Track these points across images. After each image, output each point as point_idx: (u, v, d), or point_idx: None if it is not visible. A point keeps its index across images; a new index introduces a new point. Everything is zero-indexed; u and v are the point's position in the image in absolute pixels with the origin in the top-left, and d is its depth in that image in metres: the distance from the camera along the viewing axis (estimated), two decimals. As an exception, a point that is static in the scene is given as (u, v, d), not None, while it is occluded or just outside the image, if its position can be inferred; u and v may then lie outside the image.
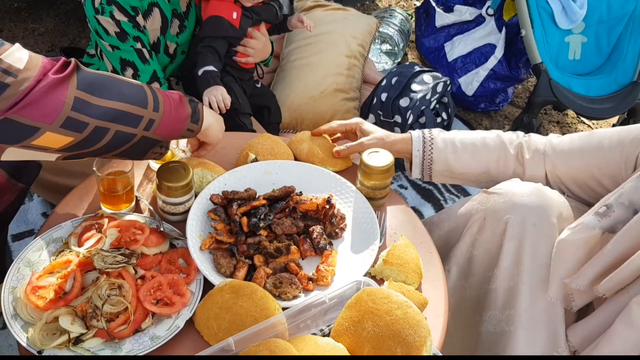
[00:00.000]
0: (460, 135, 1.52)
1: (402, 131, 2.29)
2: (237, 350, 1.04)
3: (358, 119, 1.59)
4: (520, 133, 1.52)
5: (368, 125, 1.57)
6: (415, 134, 1.53)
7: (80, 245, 1.23)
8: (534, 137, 1.49)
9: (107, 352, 1.09)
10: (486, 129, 2.78)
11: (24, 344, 1.08)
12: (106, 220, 1.28)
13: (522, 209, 1.34)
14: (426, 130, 1.54)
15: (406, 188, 2.39)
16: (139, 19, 1.71)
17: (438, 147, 1.51)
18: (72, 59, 1.09)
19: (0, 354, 1.66)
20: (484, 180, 1.50)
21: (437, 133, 1.53)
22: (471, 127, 2.74)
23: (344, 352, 1.06)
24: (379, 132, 1.55)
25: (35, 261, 1.22)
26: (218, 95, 1.75)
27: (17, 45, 1.05)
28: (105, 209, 1.35)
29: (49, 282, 1.16)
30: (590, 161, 1.39)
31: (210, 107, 1.74)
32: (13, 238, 1.99)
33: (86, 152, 1.13)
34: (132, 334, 1.13)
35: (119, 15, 1.67)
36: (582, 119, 2.91)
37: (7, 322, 1.10)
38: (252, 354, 0.99)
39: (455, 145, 1.50)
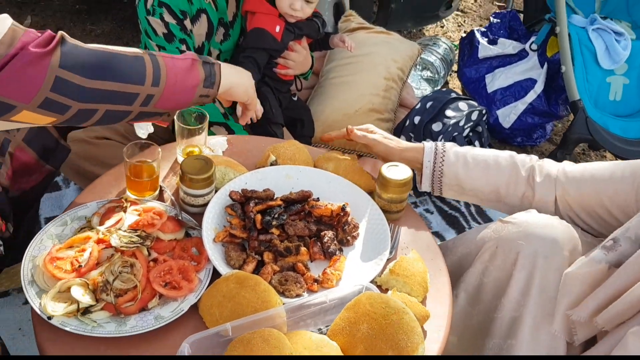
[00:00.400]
0: (474, 151, 1.52)
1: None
2: (233, 335, 1.07)
3: (369, 125, 1.62)
4: (534, 157, 1.52)
5: (379, 130, 1.60)
6: (428, 144, 1.54)
7: (101, 224, 1.30)
8: (547, 161, 1.49)
9: (112, 326, 1.14)
10: None
11: (36, 309, 1.13)
12: (129, 204, 1.34)
13: (535, 240, 1.34)
14: (439, 143, 1.55)
15: (432, 212, 2.39)
16: (187, 22, 1.80)
17: (449, 159, 1.51)
18: (59, 32, 1.02)
19: (19, 327, 1.73)
20: (493, 200, 1.51)
21: (451, 146, 1.54)
22: None
23: (337, 350, 1.07)
24: (391, 137, 1.58)
25: (58, 235, 1.28)
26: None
27: (3, 15, 0.98)
28: (130, 194, 1.42)
29: (68, 254, 1.22)
30: (601, 189, 1.38)
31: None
32: (46, 220, 2.08)
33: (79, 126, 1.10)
34: (138, 311, 1.18)
35: (168, 18, 1.76)
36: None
37: (24, 286, 1.17)
38: (247, 341, 1.02)
39: (466, 160, 1.50)
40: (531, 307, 1.33)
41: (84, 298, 1.15)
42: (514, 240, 1.36)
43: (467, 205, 2.44)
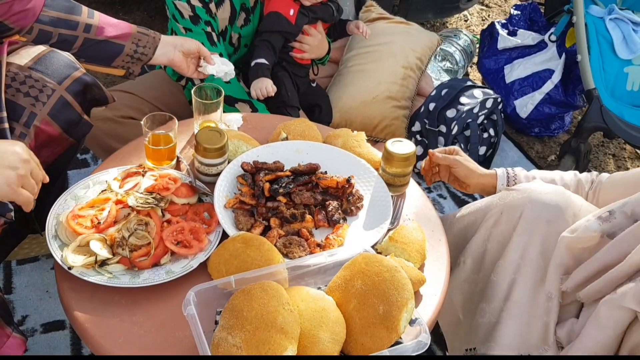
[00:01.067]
0: (540, 173, 1.57)
1: (446, 141, 2.36)
2: (236, 287, 1.15)
3: (456, 147, 1.67)
4: (594, 173, 1.56)
5: (463, 153, 1.66)
6: (500, 171, 1.59)
7: (120, 188, 1.39)
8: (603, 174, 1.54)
9: (127, 278, 1.23)
10: (537, 153, 2.78)
11: (58, 260, 1.24)
12: (144, 169, 1.43)
13: (539, 205, 1.38)
14: (509, 169, 1.60)
15: (445, 198, 2.44)
16: (212, 6, 1.89)
17: (520, 182, 1.55)
18: None
19: (47, 289, 1.85)
20: None
21: (519, 171, 1.59)
22: (522, 150, 2.76)
23: (332, 304, 1.14)
24: (472, 162, 1.63)
25: (81, 196, 1.38)
26: (263, 88, 1.90)
27: None
28: (149, 163, 1.51)
29: (88, 213, 1.32)
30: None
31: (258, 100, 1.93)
32: (75, 195, 2.20)
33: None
34: (151, 266, 1.27)
35: (194, 1, 1.85)
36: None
37: (48, 240, 1.27)
38: (247, 291, 1.10)
39: (537, 181, 1.52)
40: (529, 269, 1.37)
41: (102, 251, 1.24)
42: (518, 205, 1.41)
43: (479, 190, 2.48)
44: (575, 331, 1.29)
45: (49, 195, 1.50)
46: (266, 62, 1.95)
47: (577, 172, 1.57)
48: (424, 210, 1.54)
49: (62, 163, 1.59)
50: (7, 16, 1.34)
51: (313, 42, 2.08)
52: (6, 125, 1.36)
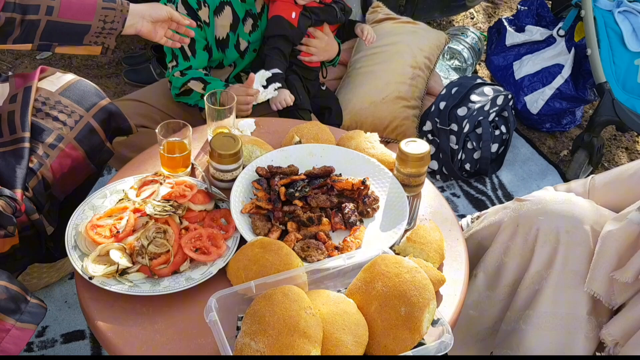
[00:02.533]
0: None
1: (458, 140, 2.35)
2: (256, 292, 1.15)
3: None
4: (560, 187, 1.57)
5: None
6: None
7: (137, 196, 1.40)
8: (573, 185, 1.55)
9: (147, 286, 1.24)
10: (550, 149, 2.77)
11: (79, 270, 1.24)
12: (162, 177, 1.44)
13: (554, 216, 1.39)
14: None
15: (459, 196, 2.43)
16: (202, 12, 1.88)
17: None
18: None
19: (65, 300, 1.86)
20: None
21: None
22: (534, 146, 2.75)
23: (353, 306, 1.14)
24: None
25: (99, 206, 1.39)
26: (282, 101, 1.92)
27: None
28: (164, 171, 1.52)
29: (107, 222, 1.33)
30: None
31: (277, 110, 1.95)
32: (90, 204, 2.21)
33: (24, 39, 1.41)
34: (171, 273, 1.27)
35: (181, 8, 1.86)
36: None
37: (68, 251, 1.28)
38: (268, 296, 1.10)
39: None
40: (552, 279, 1.37)
41: (122, 260, 1.25)
42: (533, 217, 1.41)
43: (493, 188, 2.47)
44: (632, 328, 1.27)
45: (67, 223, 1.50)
46: (279, 71, 1.96)
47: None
48: (440, 209, 1.54)
49: (82, 193, 1.62)
50: None
51: (319, 44, 2.08)
52: (27, 145, 1.41)
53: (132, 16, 1.55)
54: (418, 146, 1.51)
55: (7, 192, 1.31)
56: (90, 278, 1.23)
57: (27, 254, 1.45)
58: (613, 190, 1.47)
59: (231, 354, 1.04)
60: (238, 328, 1.17)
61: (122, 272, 1.24)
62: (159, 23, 1.62)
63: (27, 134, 1.42)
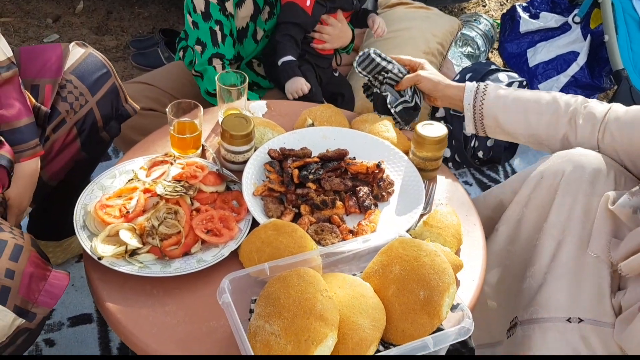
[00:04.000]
0: (516, 93, 1.51)
1: None
2: (270, 275, 1.12)
3: (423, 60, 1.66)
4: (580, 97, 1.49)
5: (429, 66, 1.64)
6: (470, 84, 1.54)
7: (147, 177, 1.37)
8: (592, 103, 1.47)
9: (158, 267, 1.21)
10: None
11: (88, 251, 1.21)
12: (172, 158, 1.40)
13: (579, 167, 1.36)
14: (482, 84, 1.55)
15: (471, 184, 2.39)
16: (228, 4, 1.84)
17: (489, 101, 1.50)
18: None
19: (72, 283, 1.83)
20: (534, 142, 1.53)
21: (494, 88, 1.52)
22: None
23: (370, 290, 1.11)
24: (436, 74, 1.60)
25: (108, 186, 1.36)
26: (299, 90, 1.88)
27: None
28: (174, 152, 1.48)
29: (116, 202, 1.29)
30: None
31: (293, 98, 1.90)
32: (97, 188, 2.18)
33: None
34: (182, 255, 1.24)
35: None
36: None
37: (76, 231, 1.25)
38: (283, 278, 1.07)
39: (506, 104, 1.50)
40: (575, 230, 1.34)
41: (132, 241, 1.22)
42: (559, 169, 1.39)
43: (506, 176, 2.43)
44: (623, 306, 1.25)
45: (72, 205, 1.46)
46: (292, 58, 1.92)
47: (558, 95, 1.50)
48: (457, 194, 1.50)
49: (79, 178, 1.58)
50: None
51: (333, 31, 2.04)
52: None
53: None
54: (435, 129, 1.47)
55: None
56: (100, 258, 1.20)
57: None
58: (627, 135, 1.41)
59: (245, 337, 1.01)
60: (251, 311, 1.14)
61: (132, 253, 1.21)
62: None
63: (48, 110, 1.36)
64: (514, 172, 2.46)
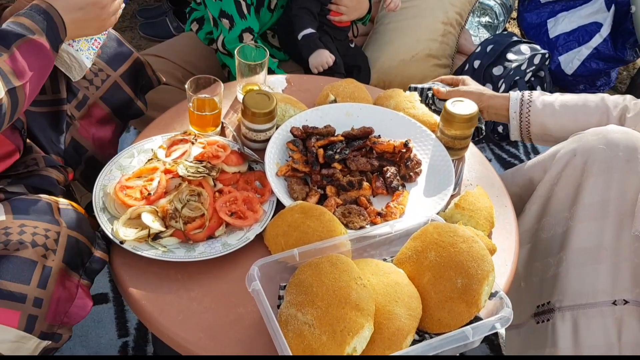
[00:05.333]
0: (562, 97, 1.50)
1: None
2: (300, 261, 1.08)
3: (466, 76, 1.63)
4: (628, 96, 1.47)
5: (471, 80, 1.61)
6: (514, 94, 1.53)
7: (167, 157, 1.32)
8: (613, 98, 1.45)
9: (182, 252, 1.17)
10: None
11: (109, 234, 1.17)
12: (193, 136, 1.35)
13: (615, 145, 1.32)
14: (526, 92, 1.54)
15: (490, 160, 2.34)
16: None
17: (536, 109, 1.50)
18: None
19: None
20: None
21: (538, 95, 1.52)
22: None
23: (404, 277, 1.07)
24: (479, 87, 1.57)
25: (126, 166, 1.31)
26: (324, 63, 1.84)
27: None
28: (193, 129, 1.43)
29: (137, 184, 1.25)
30: None
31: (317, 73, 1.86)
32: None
33: None
34: (206, 239, 1.20)
35: None
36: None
37: (96, 213, 1.20)
38: (315, 265, 1.02)
39: (554, 108, 1.49)
40: (613, 210, 1.31)
41: (154, 224, 1.17)
42: (593, 146, 1.35)
43: (526, 152, 2.38)
44: None
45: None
46: (312, 30, 1.85)
47: (606, 96, 1.49)
48: (487, 174, 1.45)
49: (112, 148, 1.56)
50: None
51: (350, 3, 1.96)
52: (66, 107, 1.33)
53: None
54: (465, 106, 1.41)
55: (56, 162, 1.25)
56: (122, 242, 1.15)
57: None
58: None
59: (278, 326, 0.97)
60: (280, 297, 1.10)
61: (155, 237, 1.17)
62: None
63: (64, 95, 1.33)
64: (533, 147, 2.40)
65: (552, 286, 1.37)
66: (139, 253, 1.14)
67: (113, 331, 1.67)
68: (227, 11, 1.76)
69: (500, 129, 2.33)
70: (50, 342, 1.03)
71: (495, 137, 2.36)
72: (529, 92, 1.53)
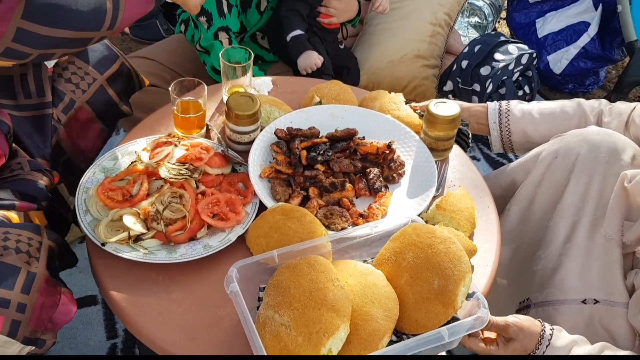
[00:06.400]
0: (540, 105, 1.52)
1: (480, 101, 2.26)
2: (279, 262, 1.08)
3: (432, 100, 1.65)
4: (603, 101, 1.50)
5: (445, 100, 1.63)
6: (492, 105, 1.55)
7: (150, 159, 1.32)
8: (617, 103, 1.47)
9: (163, 253, 1.17)
10: None
11: (91, 236, 1.17)
12: (176, 139, 1.36)
13: (595, 146, 1.35)
14: (503, 102, 1.56)
15: (479, 160, 2.35)
16: None
17: (515, 117, 1.52)
18: None
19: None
20: None
21: (515, 104, 1.54)
22: None
23: (382, 278, 1.08)
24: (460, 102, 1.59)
25: (110, 168, 1.32)
26: (312, 64, 1.85)
27: None
28: (178, 132, 1.43)
29: (119, 186, 1.25)
30: None
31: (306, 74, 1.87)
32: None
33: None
34: (188, 240, 1.21)
35: None
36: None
37: (78, 215, 1.21)
38: (293, 266, 1.03)
39: (533, 116, 1.51)
40: (589, 210, 1.33)
41: (136, 226, 1.18)
42: (573, 147, 1.37)
43: (515, 152, 2.39)
44: (637, 285, 1.24)
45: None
46: (301, 32, 1.86)
47: (582, 100, 1.52)
48: (470, 175, 1.46)
49: (93, 152, 1.54)
50: None
51: (339, 5, 1.97)
52: (50, 111, 1.33)
53: None
54: (448, 107, 1.42)
55: (41, 165, 1.25)
56: (103, 244, 1.16)
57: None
58: None
59: (254, 328, 0.98)
60: (259, 299, 1.11)
61: (136, 239, 1.18)
62: None
63: (49, 99, 1.33)
64: None
65: (531, 283, 1.40)
66: (120, 255, 1.15)
67: (102, 333, 1.68)
68: (207, 8, 1.77)
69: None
70: (33, 347, 1.04)
71: (484, 137, 2.37)
72: (506, 101, 1.56)
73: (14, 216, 1.13)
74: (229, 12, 1.78)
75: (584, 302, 1.29)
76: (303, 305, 0.98)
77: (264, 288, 1.10)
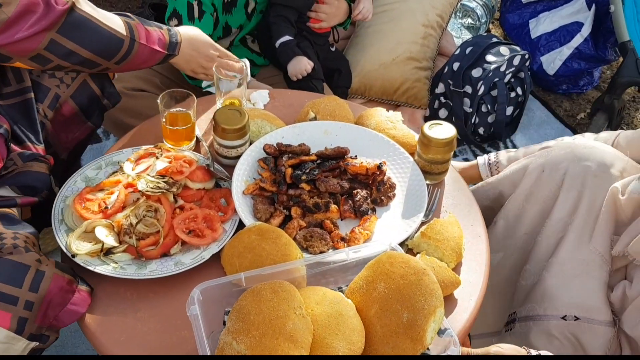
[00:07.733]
0: (525, 149, 1.53)
1: (472, 102, 2.24)
2: (246, 286, 1.04)
3: None
4: (587, 134, 1.51)
5: None
6: (481, 160, 1.59)
7: (133, 170, 1.30)
8: (602, 134, 1.47)
9: (133, 268, 1.15)
10: (566, 112, 2.60)
11: (62, 247, 1.16)
12: (161, 151, 1.33)
13: (583, 160, 1.33)
14: (492, 155, 1.59)
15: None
16: None
17: (503, 167, 1.54)
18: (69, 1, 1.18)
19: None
20: None
21: (503, 154, 1.57)
22: (550, 109, 2.58)
23: (351, 308, 1.02)
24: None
25: (92, 178, 1.30)
26: (302, 70, 1.84)
27: None
28: (167, 143, 1.41)
29: (97, 196, 1.23)
30: None
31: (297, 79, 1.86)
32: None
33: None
34: (160, 256, 1.18)
35: None
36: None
37: (53, 225, 1.19)
38: (256, 292, 0.99)
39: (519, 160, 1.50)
40: (577, 225, 1.32)
41: (108, 239, 1.16)
42: (561, 161, 1.36)
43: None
44: (630, 297, 1.21)
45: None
46: (290, 37, 1.85)
47: (565, 137, 1.55)
48: (464, 200, 1.39)
49: (79, 149, 1.55)
50: None
51: (329, 9, 1.95)
52: (32, 95, 1.34)
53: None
54: (443, 130, 1.36)
55: (36, 154, 1.25)
56: (73, 256, 1.14)
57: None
58: (636, 148, 1.40)
59: (208, 353, 0.94)
60: (225, 323, 1.07)
61: (107, 252, 1.15)
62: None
63: (29, 84, 1.33)
64: (515, 148, 2.35)
65: (518, 297, 1.38)
66: (89, 268, 1.13)
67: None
68: (179, 11, 1.75)
69: (481, 130, 2.30)
70: (38, 343, 1.05)
71: (477, 139, 2.34)
72: (494, 153, 1.58)
73: (16, 213, 1.15)
74: (199, 18, 1.75)
75: (564, 318, 1.26)
76: (261, 334, 0.93)
77: (229, 312, 1.06)
